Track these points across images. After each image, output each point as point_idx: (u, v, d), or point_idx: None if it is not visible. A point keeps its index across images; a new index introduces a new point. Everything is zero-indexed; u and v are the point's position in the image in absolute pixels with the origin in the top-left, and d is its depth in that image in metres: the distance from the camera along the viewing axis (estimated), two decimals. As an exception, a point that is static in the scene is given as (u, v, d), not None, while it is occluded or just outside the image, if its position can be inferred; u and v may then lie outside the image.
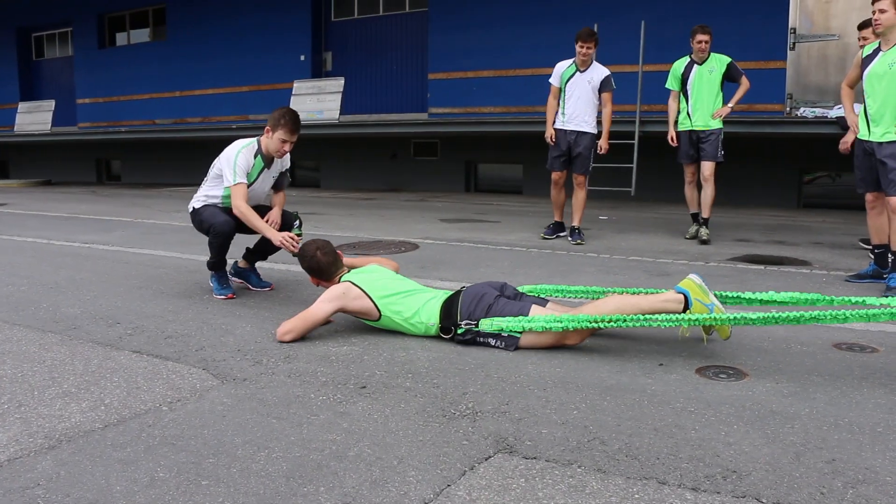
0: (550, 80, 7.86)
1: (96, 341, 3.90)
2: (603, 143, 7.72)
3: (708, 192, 7.56)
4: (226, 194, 4.97)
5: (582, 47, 7.50)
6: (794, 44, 10.63)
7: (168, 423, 2.76)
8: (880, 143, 5.26)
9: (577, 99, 7.63)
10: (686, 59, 7.63)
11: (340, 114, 13.63)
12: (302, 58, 15.95)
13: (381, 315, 3.92)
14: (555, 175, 7.93)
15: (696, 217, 7.73)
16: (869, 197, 5.52)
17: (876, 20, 5.20)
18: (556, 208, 8.07)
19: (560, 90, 7.74)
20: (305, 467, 2.39)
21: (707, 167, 7.52)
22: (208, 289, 5.16)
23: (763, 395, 3.06)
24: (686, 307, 3.54)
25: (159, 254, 6.92)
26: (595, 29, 10.05)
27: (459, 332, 3.75)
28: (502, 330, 3.67)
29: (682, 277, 5.53)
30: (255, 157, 4.97)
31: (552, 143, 7.82)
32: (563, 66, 7.76)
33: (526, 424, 2.72)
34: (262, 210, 5.04)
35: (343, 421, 2.77)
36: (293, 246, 4.58)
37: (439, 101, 14.29)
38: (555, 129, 7.80)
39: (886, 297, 3.79)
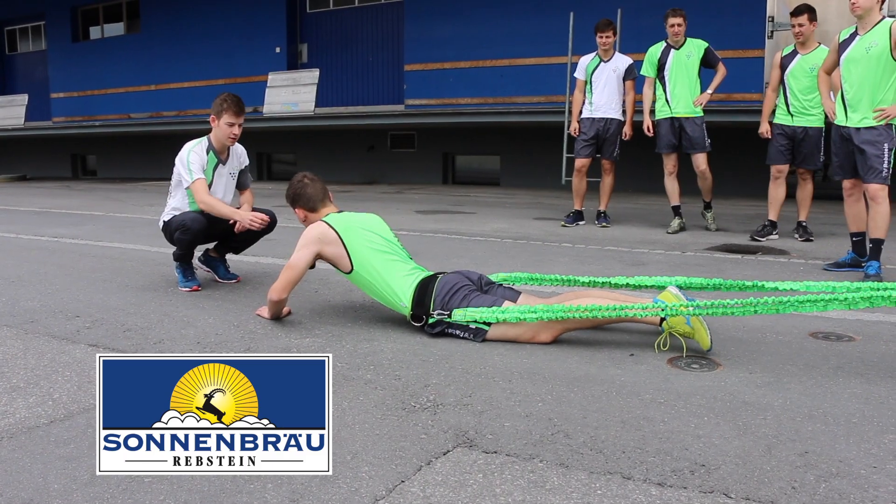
0: (576, 75, 8.14)
1: (52, 335, 3.77)
2: (627, 130, 7.89)
3: (707, 183, 7.56)
4: (192, 200, 4.86)
5: (601, 37, 7.75)
6: (772, 32, 10.53)
7: (116, 419, 2.64)
8: (858, 129, 5.22)
9: (604, 87, 7.87)
10: (662, 45, 7.52)
11: (316, 106, 13.52)
12: (277, 50, 15.81)
13: (352, 269, 3.80)
14: (579, 163, 8.06)
15: (677, 210, 7.62)
16: (846, 184, 5.47)
17: (853, 4, 5.16)
18: (577, 197, 8.18)
19: (585, 83, 7.97)
20: (256, 464, 2.28)
21: (700, 160, 7.46)
22: (174, 281, 5.04)
23: (735, 385, 2.97)
24: (662, 320, 3.44)
25: (127, 247, 6.79)
26: (571, 20, 10.04)
27: (431, 321, 3.64)
28: (475, 321, 3.56)
29: (659, 268, 5.53)
30: (207, 152, 4.88)
31: (576, 135, 8.04)
32: (586, 60, 8.01)
33: (488, 417, 2.62)
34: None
35: (300, 415, 2.67)
36: (260, 224, 4.70)
37: (416, 92, 14.19)
38: (582, 120, 8.00)
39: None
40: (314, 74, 13.61)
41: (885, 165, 5.14)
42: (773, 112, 7.00)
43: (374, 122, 13.80)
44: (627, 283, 3.90)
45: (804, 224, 6.86)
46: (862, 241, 5.48)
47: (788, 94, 6.83)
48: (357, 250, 3.79)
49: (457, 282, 3.71)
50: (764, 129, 7.08)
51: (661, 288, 3.72)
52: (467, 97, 13.61)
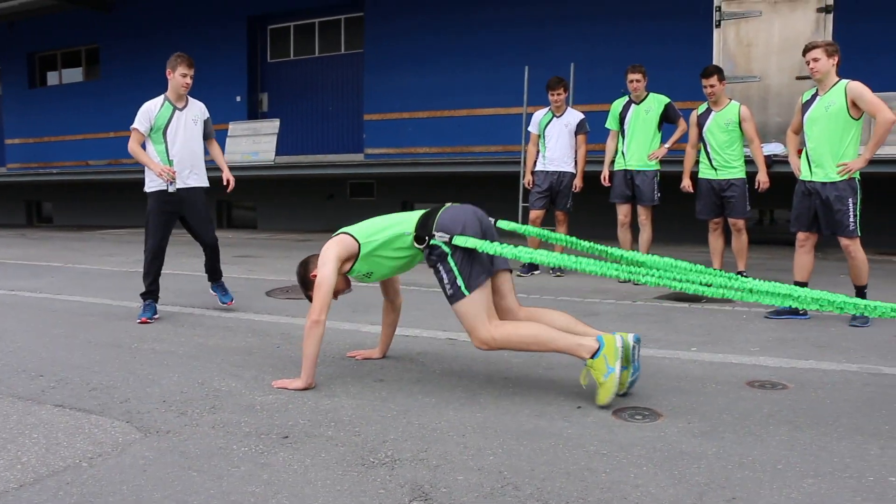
0: (529, 129, 8.54)
1: (17, 395, 3.85)
2: (577, 182, 8.20)
3: (645, 235, 7.77)
4: (156, 149, 5.90)
5: (553, 94, 8.11)
6: None
7: (87, 479, 2.75)
8: (824, 184, 5.56)
9: (557, 141, 8.20)
10: (625, 99, 7.84)
11: (276, 154, 13.66)
12: (238, 98, 15.95)
13: (359, 246, 3.96)
14: (533, 214, 8.37)
15: None
16: (800, 236, 5.80)
17: (812, 69, 5.55)
18: (532, 246, 8.29)
19: (539, 137, 8.31)
20: (223, 521, 2.42)
21: (643, 211, 7.72)
22: (137, 336, 5.17)
23: (674, 435, 3.18)
24: (593, 356, 3.61)
25: (88, 300, 6.84)
26: (526, 72, 10.40)
27: (432, 242, 3.77)
28: (476, 248, 3.68)
29: (610, 318, 5.76)
30: (163, 104, 5.92)
31: (530, 187, 8.39)
32: (539, 115, 8.37)
33: (442, 471, 2.79)
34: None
35: (264, 472, 2.81)
36: (169, 178, 5.71)
37: (375, 141, 14.43)
38: (536, 172, 8.34)
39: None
40: (274, 125, 13.78)
41: (851, 220, 5.49)
42: (697, 165, 7.35)
43: (333, 171, 13.98)
44: (623, 256, 3.93)
45: (744, 274, 7.14)
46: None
47: (709, 150, 7.19)
48: (358, 229, 4.04)
49: (463, 215, 3.85)
50: (685, 184, 7.50)
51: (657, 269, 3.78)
52: (426, 146, 13.87)
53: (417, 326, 5.54)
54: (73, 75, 19.13)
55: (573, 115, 8.18)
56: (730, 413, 3.48)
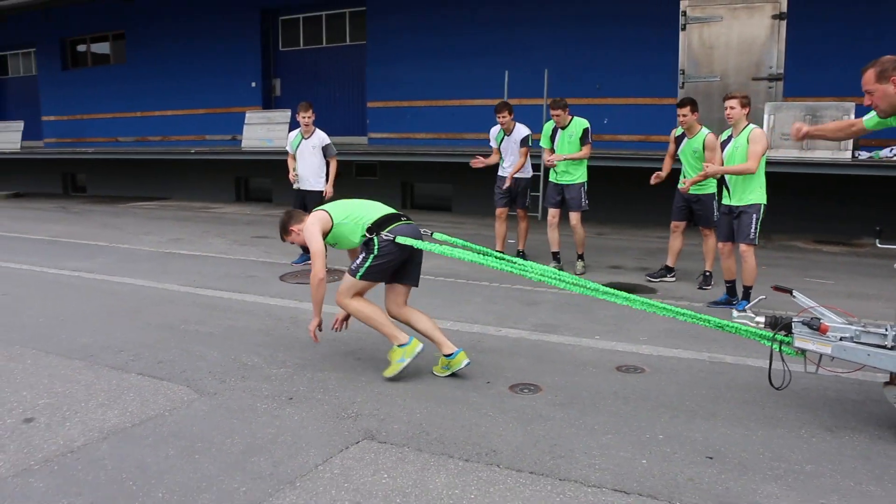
0: (491, 143, 10.17)
1: (111, 366, 5.60)
2: (508, 181, 9.88)
3: (577, 236, 9.38)
4: (295, 164, 10.06)
5: (499, 117, 9.78)
6: (683, 83, 12.71)
7: (170, 423, 4.54)
8: (736, 206, 7.32)
9: (509, 155, 9.98)
10: (553, 123, 9.41)
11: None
12: (253, 84, 17.62)
13: (332, 224, 5.34)
14: (498, 210, 10.15)
15: (555, 255, 9.50)
16: (721, 245, 7.60)
17: (728, 115, 7.29)
18: (498, 239, 10.17)
19: (497, 149, 10.05)
20: (253, 447, 4.19)
21: (573, 217, 9.30)
22: (183, 319, 6.92)
23: (541, 405, 4.87)
24: (400, 345, 5.31)
25: (137, 283, 8.57)
26: (506, 77, 12.07)
27: (375, 237, 5.19)
28: (412, 245, 5.23)
29: (545, 308, 7.44)
30: (297, 135, 10.01)
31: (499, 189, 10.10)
32: (495, 131, 10.09)
33: (385, 423, 4.55)
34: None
35: (276, 420, 4.58)
36: (293, 180, 10.06)
37: (378, 126, 16.12)
38: (499, 176, 10.09)
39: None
40: (286, 114, 15.42)
41: (752, 232, 7.23)
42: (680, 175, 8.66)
43: (341, 159, 15.62)
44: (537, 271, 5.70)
45: (708, 273, 8.52)
46: (733, 287, 7.57)
47: (683, 168, 8.50)
48: (334, 209, 5.44)
49: (410, 232, 5.34)
50: (654, 175, 8.62)
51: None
52: (423, 132, 15.55)
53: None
54: (102, 59, 20.79)
55: (518, 132, 9.88)
56: (588, 391, 5.15)
